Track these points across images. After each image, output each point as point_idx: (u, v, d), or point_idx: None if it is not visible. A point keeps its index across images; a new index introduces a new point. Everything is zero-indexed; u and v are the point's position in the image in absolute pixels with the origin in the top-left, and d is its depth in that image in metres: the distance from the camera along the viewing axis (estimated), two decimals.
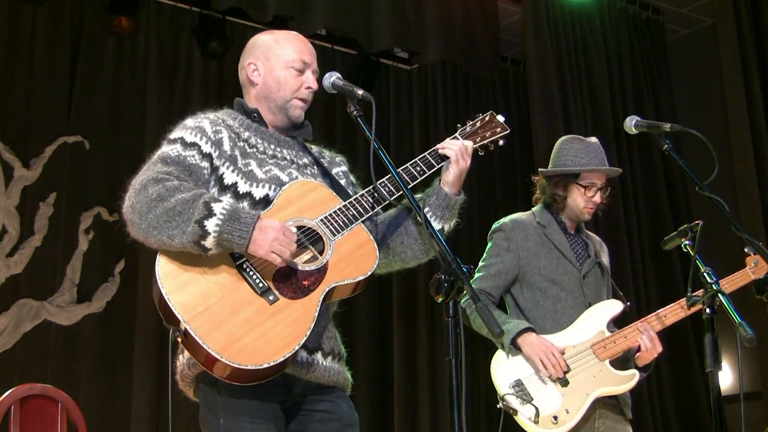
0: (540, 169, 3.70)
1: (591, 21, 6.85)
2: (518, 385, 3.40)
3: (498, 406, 3.42)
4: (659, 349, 3.46)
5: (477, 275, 3.62)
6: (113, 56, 5.91)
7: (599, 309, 3.53)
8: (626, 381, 3.45)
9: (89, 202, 5.67)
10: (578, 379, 3.42)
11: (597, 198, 3.57)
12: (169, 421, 2.33)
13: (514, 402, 3.36)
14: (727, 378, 6.26)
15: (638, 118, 2.96)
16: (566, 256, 3.58)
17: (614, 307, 3.54)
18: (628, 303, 3.59)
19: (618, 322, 3.60)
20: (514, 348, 3.44)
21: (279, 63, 2.58)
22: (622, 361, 3.54)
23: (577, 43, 6.74)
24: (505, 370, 3.45)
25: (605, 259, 3.74)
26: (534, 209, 3.72)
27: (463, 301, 3.46)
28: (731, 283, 3.45)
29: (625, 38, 7.02)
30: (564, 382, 3.40)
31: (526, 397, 3.37)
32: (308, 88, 2.57)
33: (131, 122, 5.87)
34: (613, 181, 3.65)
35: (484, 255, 3.67)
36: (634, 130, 2.97)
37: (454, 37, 6.30)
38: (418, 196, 2.58)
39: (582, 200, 3.57)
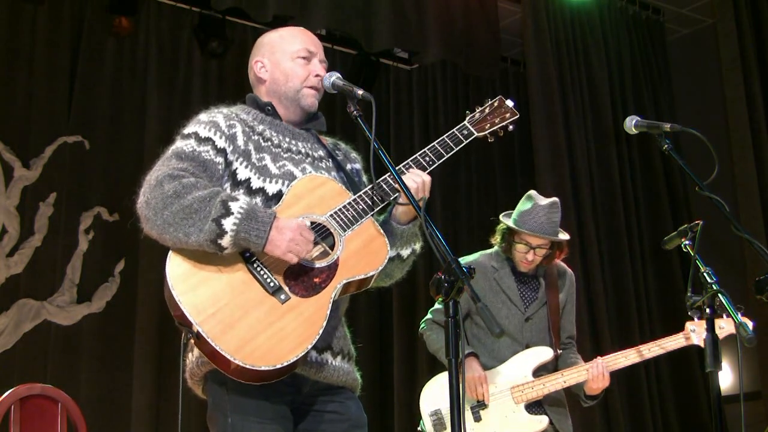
0: (500, 215, 3.90)
1: (591, 21, 6.85)
2: (436, 414, 3.69)
3: (418, 429, 3.73)
4: (606, 383, 3.69)
5: (435, 307, 3.92)
6: (113, 56, 5.90)
7: (529, 354, 3.77)
8: (534, 425, 3.68)
9: (89, 202, 5.67)
10: (490, 418, 3.68)
11: (530, 256, 3.78)
12: (179, 420, 2.32)
13: (428, 429, 3.66)
14: (727, 378, 6.26)
15: (638, 118, 2.96)
16: (512, 300, 3.81)
17: (543, 354, 3.77)
18: (560, 351, 3.81)
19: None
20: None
21: (285, 56, 2.59)
22: (575, 388, 3.78)
23: (577, 43, 6.74)
24: (430, 397, 3.74)
25: (564, 292, 3.91)
26: (494, 249, 3.94)
27: (422, 326, 3.86)
28: (662, 345, 3.68)
29: (625, 38, 7.02)
30: (477, 418, 3.67)
31: (440, 427, 3.66)
32: (317, 75, 2.57)
33: (131, 122, 5.87)
34: (559, 244, 3.81)
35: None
36: (634, 130, 2.96)
37: (454, 37, 6.30)
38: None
39: (517, 254, 3.81)
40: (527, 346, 3.78)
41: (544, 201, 3.76)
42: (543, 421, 3.68)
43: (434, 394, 3.73)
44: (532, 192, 3.84)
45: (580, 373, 3.70)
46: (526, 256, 3.76)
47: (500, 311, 3.78)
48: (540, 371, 3.74)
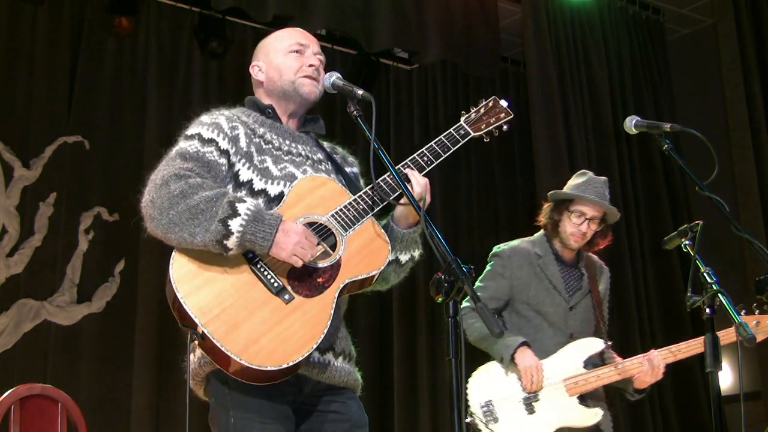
0: (549, 193, 3.85)
1: (591, 21, 6.85)
2: (487, 406, 3.59)
3: (466, 420, 3.58)
4: (658, 377, 3.63)
5: None
6: (113, 56, 5.90)
7: (579, 345, 3.70)
8: (589, 418, 3.61)
9: (89, 202, 5.67)
10: (544, 410, 3.59)
11: (584, 227, 3.71)
12: (186, 423, 2.32)
13: (479, 422, 3.55)
14: (727, 378, 6.26)
15: (638, 118, 2.96)
16: (556, 288, 3.75)
17: (594, 345, 3.70)
18: (610, 342, 3.75)
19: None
20: (513, 363, 3.61)
21: (277, 53, 2.61)
22: (621, 382, 3.68)
23: (577, 43, 6.73)
24: (480, 388, 3.63)
25: (602, 285, 3.87)
26: (535, 237, 3.88)
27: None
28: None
29: (625, 38, 7.02)
30: (531, 410, 3.58)
31: (491, 419, 3.55)
32: (311, 65, 2.58)
33: (131, 122, 5.87)
34: (608, 219, 3.78)
35: (481, 276, 3.85)
36: (634, 130, 2.97)
37: (454, 37, 6.29)
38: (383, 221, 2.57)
39: (569, 226, 3.74)
40: (571, 336, 3.71)
41: (597, 177, 3.78)
42: (598, 413, 3.61)
43: (484, 384, 3.63)
44: (585, 170, 3.86)
45: (634, 365, 3.63)
46: (580, 227, 3.70)
47: (544, 299, 3.73)
48: (587, 364, 3.67)
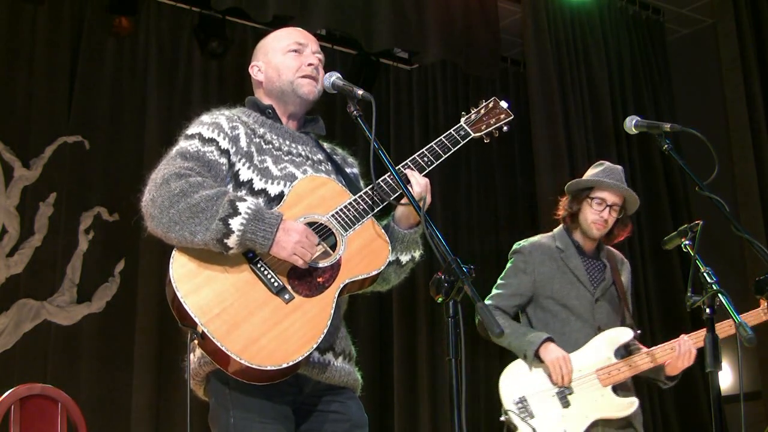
0: (567, 184, 3.83)
1: (591, 21, 6.85)
2: (522, 402, 3.54)
3: (501, 418, 3.56)
4: (691, 361, 3.58)
5: (494, 292, 3.79)
6: (113, 56, 5.90)
7: (609, 335, 3.66)
8: (625, 408, 3.58)
9: (89, 202, 5.67)
10: (579, 402, 3.55)
11: (605, 214, 3.70)
12: (187, 422, 2.32)
13: (515, 418, 3.50)
14: (727, 378, 6.26)
15: (638, 118, 2.97)
16: (580, 280, 3.72)
17: (624, 334, 3.67)
18: (639, 331, 3.71)
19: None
20: (537, 359, 3.57)
21: (276, 53, 2.61)
22: (653, 371, 3.65)
23: (577, 43, 6.73)
24: (512, 385, 3.59)
25: (624, 277, 3.87)
26: (554, 231, 3.85)
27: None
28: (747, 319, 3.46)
29: (625, 38, 7.01)
30: (566, 404, 3.54)
31: (527, 415, 3.50)
32: (310, 64, 2.58)
33: (131, 122, 5.87)
34: (628, 207, 3.78)
35: (503, 274, 3.82)
36: (634, 130, 2.97)
37: (454, 37, 6.29)
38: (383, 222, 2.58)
39: (590, 214, 3.71)
40: (599, 329, 3.67)
41: (615, 165, 3.77)
42: (634, 402, 3.57)
43: (515, 381, 3.60)
44: (602, 161, 3.86)
45: (666, 351, 3.60)
46: (602, 214, 3.68)
47: (569, 293, 3.70)
48: (618, 354, 3.63)
